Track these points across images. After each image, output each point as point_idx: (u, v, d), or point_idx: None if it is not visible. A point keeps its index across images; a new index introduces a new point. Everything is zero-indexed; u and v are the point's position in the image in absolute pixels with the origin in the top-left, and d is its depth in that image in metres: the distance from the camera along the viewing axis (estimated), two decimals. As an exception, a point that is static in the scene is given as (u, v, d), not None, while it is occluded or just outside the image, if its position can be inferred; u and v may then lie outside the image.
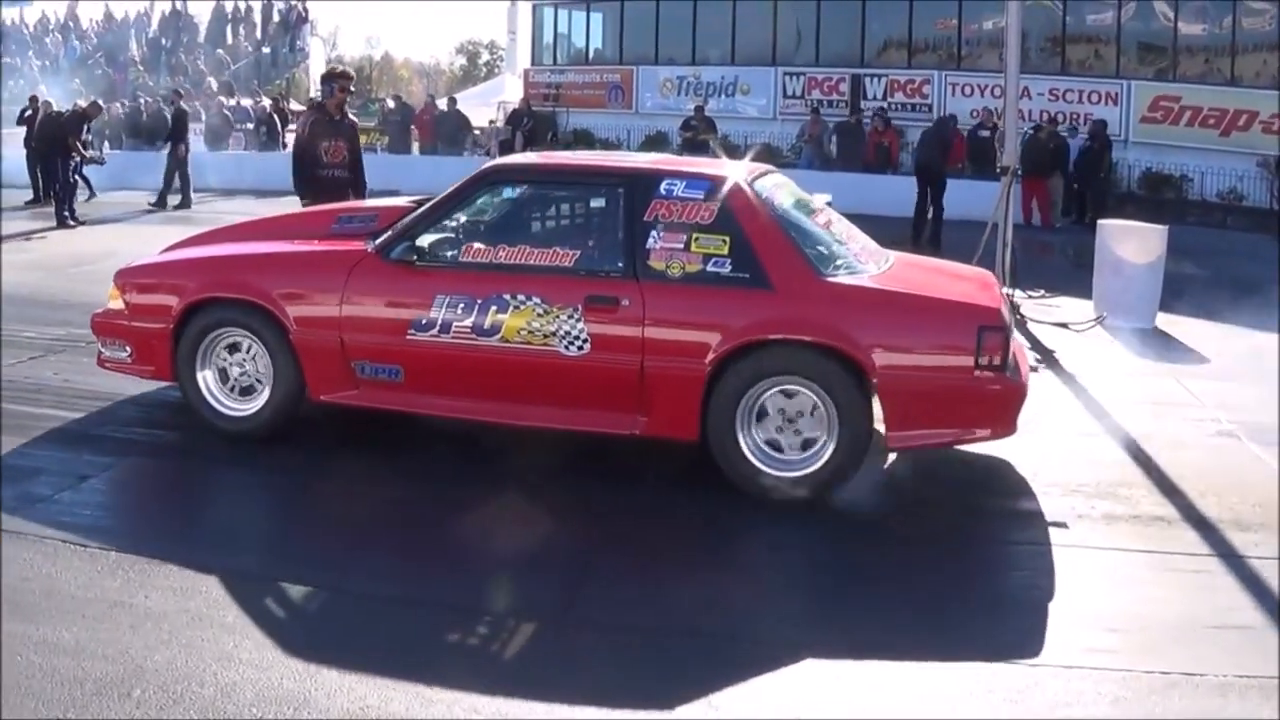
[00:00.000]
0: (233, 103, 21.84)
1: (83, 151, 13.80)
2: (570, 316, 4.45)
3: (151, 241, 6.54)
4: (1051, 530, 4.26)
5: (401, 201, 5.62)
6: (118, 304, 5.13)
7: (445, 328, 4.59)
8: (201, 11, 30.20)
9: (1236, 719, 2.97)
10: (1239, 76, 17.60)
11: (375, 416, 4.90)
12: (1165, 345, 7.79)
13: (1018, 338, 5.57)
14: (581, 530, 4.23)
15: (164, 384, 5.29)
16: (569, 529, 4.24)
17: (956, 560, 4.09)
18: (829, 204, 6.03)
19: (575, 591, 3.70)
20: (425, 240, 4.74)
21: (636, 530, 4.26)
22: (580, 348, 4.46)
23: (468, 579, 3.75)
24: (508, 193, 5.01)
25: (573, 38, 24.78)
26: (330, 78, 7.47)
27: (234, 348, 4.93)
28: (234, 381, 4.94)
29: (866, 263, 4.80)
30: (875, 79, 20.22)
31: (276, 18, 29.68)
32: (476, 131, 21.88)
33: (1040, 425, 5.24)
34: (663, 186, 4.58)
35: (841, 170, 16.39)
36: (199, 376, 4.95)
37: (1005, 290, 7.63)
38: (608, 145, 20.61)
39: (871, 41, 20.67)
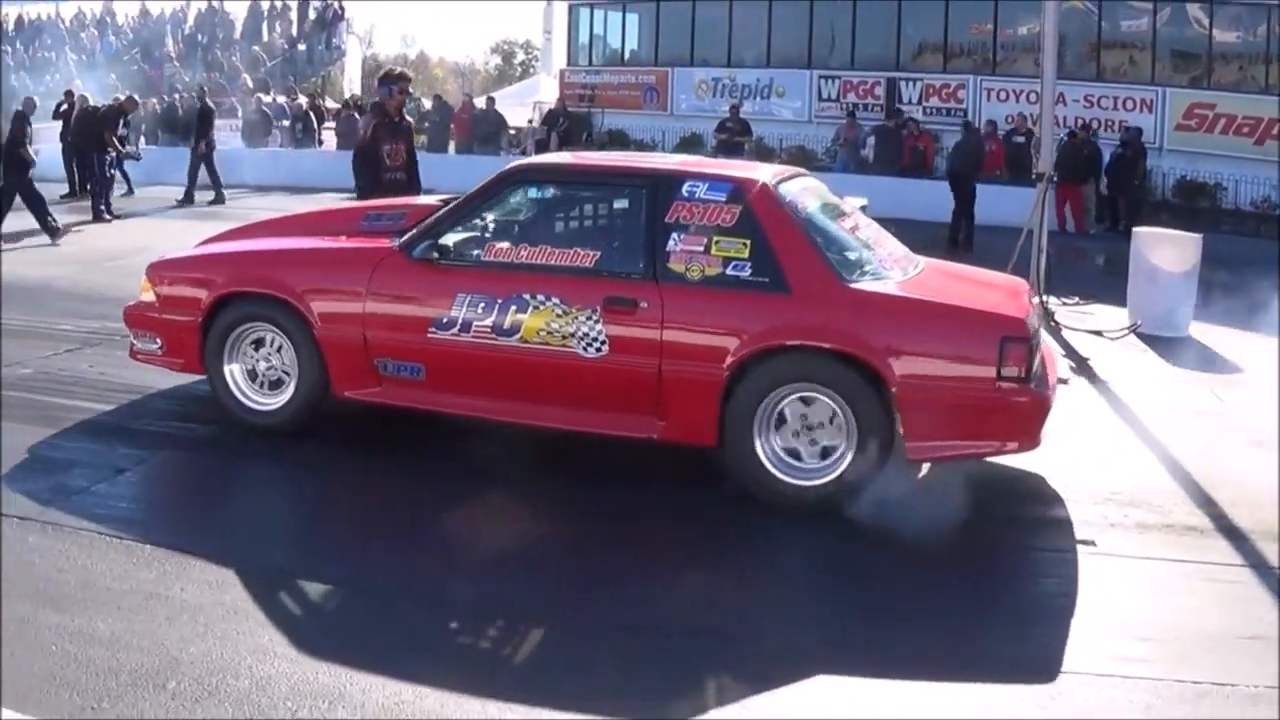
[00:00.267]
0: (269, 99, 22.00)
1: (119, 147, 13.92)
2: (589, 318, 4.44)
3: (184, 236, 6.61)
4: (1082, 539, 4.21)
5: (430, 200, 5.64)
6: (149, 296, 5.19)
7: (466, 327, 4.60)
8: (237, 8, 30.36)
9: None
10: (1274, 85, 17.33)
11: (401, 413, 4.93)
12: (1199, 354, 7.72)
13: (1051, 344, 5.51)
14: (582, 530, 4.25)
15: (195, 377, 5.37)
16: (569, 529, 4.26)
17: (984, 566, 4.06)
18: (863, 208, 6.00)
19: (575, 592, 3.70)
20: (448, 239, 4.75)
21: (640, 530, 4.26)
22: (598, 350, 4.44)
23: (477, 577, 3.77)
24: (531, 192, 5.00)
25: (608, 38, 24.74)
26: (389, 79, 7.34)
27: (260, 342, 4.98)
28: (262, 377, 4.99)
29: (893, 269, 4.71)
30: (910, 83, 20.07)
31: (312, 15, 29.75)
32: (513, 131, 21.93)
33: (1073, 433, 5.19)
34: (685, 188, 4.54)
35: (878, 174, 16.32)
36: (226, 370, 5.00)
37: (1039, 297, 7.59)
38: (642, 146, 20.56)
39: (907, 45, 20.52)
